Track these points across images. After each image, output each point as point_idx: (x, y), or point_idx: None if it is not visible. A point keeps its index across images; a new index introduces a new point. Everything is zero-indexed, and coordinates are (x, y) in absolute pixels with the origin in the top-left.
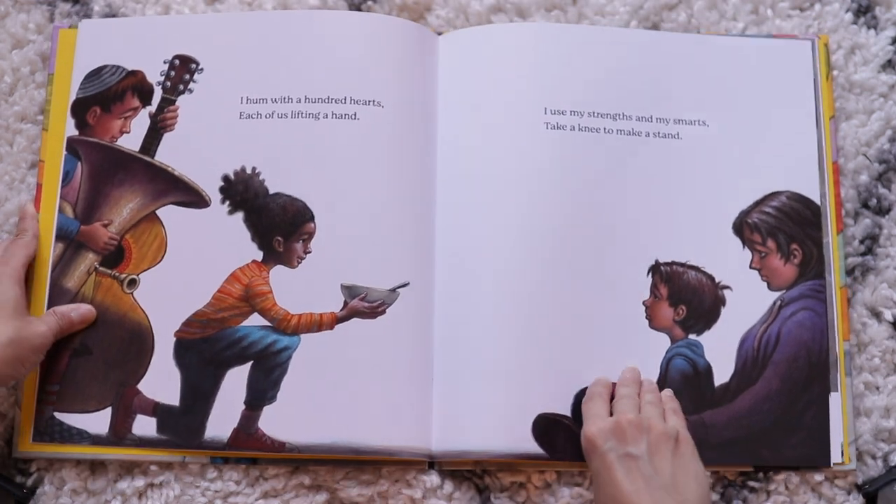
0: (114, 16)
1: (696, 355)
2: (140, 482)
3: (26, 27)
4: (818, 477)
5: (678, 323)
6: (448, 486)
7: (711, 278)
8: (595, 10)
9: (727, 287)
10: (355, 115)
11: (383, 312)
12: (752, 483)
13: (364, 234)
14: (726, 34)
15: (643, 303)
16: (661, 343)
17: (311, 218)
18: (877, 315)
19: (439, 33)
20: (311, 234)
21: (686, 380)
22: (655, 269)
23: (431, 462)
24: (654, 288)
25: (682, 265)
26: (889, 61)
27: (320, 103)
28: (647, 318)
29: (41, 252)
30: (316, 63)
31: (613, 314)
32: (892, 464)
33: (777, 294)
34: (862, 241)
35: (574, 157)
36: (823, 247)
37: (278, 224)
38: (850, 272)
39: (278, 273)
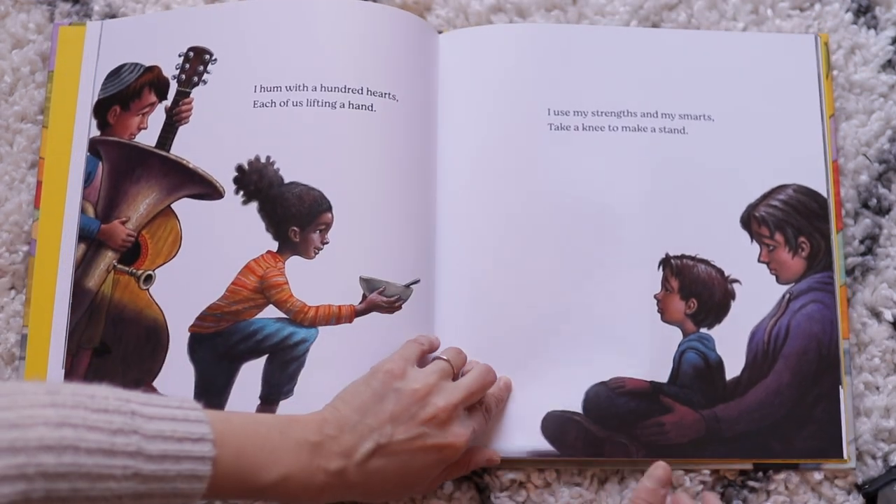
0: (114, 16)
1: (708, 349)
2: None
3: (26, 27)
4: (818, 476)
5: (689, 316)
6: (448, 486)
7: (721, 272)
8: (595, 10)
9: (736, 281)
10: (372, 106)
11: (400, 308)
12: (752, 483)
13: (379, 228)
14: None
15: (655, 296)
16: (673, 336)
17: (329, 208)
18: (877, 315)
19: (439, 32)
20: (328, 225)
21: (698, 373)
22: (666, 262)
23: None
24: (665, 281)
25: (692, 258)
26: (889, 61)
27: (337, 92)
28: (659, 311)
29: (61, 254)
30: (331, 51)
31: (625, 308)
32: (892, 464)
33: (786, 287)
34: (862, 241)
35: (579, 156)
36: (831, 239)
37: (294, 214)
38: (850, 272)
39: (294, 264)
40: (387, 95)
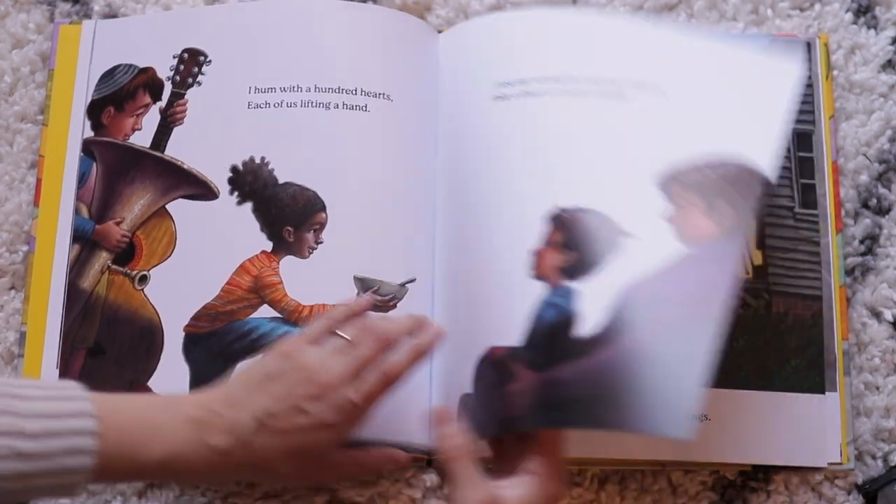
0: (114, 16)
1: (568, 304)
2: (140, 482)
3: (26, 27)
4: (818, 477)
5: (562, 270)
6: (448, 486)
7: (614, 224)
8: (595, 10)
9: (630, 234)
10: (366, 107)
11: (394, 307)
12: (752, 483)
13: (374, 227)
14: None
15: (530, 250)
16: (537, 292)
17: (323, 207)
18: (877, 315)
19: (439, 31)
20: (322, 224)
21: (552, 332)
22: (556, 216)
23: (430, 460)
24: (550, 235)
25: (584, 210)
26: (889, 61)
27: (331, 93)
28: (533, 266)
29: (55, 254)
30: (325, 53)
31: (501, 269)
32: (892, 464)
33: (688, 250)
34: (862, 241)
35: (514, 123)
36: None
37: (288, 214)
38: (850, 272)
39: (288, 264)
40: (381, 96)
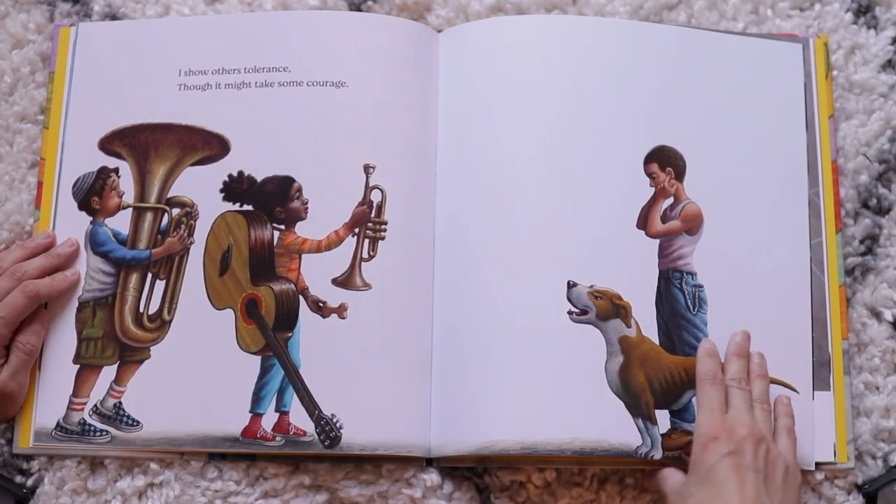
0: (114, 16)
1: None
2: (140, 482)
3: (26, 27)
4: (818, 476)
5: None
6: (448, 486)
7: None
8: (595, 10)
9: None
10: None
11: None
12: None
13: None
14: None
15: None
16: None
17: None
18: (877, 315)
19: (439, 31)
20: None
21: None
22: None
23: (430, 459)
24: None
25: None
26: (889, 61)
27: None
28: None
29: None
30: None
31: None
32: (892, 464)
33: None
34: (862, 241)
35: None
36: None
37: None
38: (850, 272)
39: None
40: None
